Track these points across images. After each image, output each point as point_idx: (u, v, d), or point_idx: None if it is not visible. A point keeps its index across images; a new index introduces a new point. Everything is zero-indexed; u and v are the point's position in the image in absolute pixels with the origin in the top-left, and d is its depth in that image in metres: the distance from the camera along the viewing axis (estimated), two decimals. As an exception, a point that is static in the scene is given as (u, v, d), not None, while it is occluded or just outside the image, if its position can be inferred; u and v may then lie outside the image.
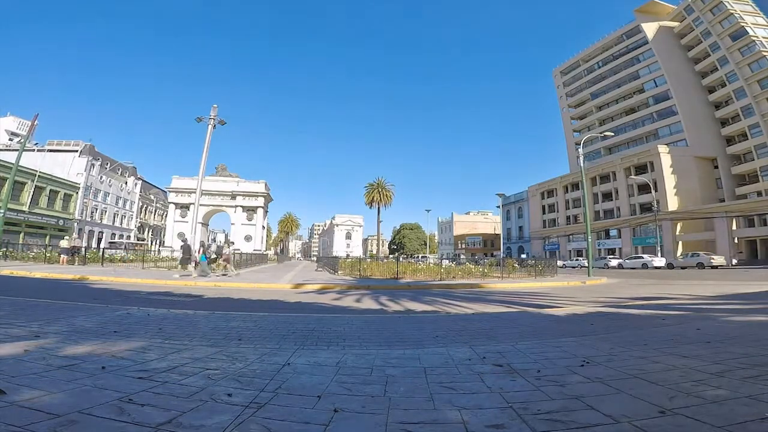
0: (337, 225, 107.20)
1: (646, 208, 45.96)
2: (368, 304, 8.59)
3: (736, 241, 39.69)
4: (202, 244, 15.35)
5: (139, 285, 11.94)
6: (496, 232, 76.84)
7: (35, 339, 3.48)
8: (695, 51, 52.06)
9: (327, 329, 4.53)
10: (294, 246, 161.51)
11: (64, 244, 21.77)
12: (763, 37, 44.76)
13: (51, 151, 49.62)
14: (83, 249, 23.38)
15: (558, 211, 60.56)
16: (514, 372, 2.71)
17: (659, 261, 32.69)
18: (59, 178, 44.32)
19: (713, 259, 29.28)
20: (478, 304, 8.44)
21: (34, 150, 46.12)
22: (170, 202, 47.42)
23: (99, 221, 52.35)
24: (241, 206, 47.42)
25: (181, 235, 16.40)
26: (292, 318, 5.44)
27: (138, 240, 62.55)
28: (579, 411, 1.93)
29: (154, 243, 67.39)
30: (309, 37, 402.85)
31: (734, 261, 36.87)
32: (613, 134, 45.55)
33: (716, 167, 48.23)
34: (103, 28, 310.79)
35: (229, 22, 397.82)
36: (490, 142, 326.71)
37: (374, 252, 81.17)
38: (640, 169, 48.47)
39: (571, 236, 57.43)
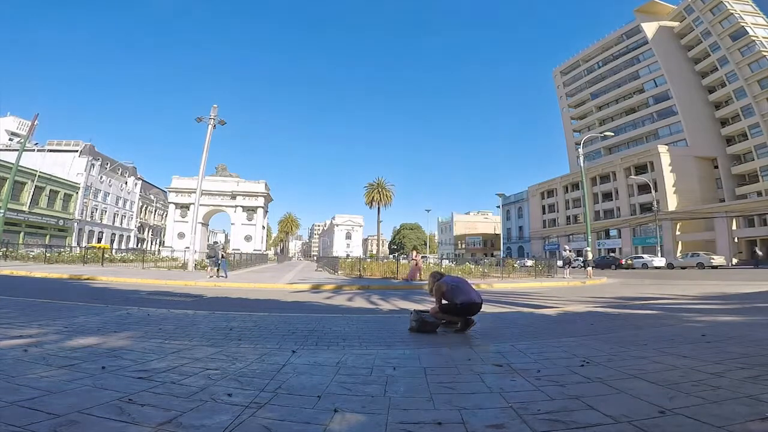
0: (337, 225, 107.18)
1: (646, 208, 45.92)
2: (369, 303, 8.59)
3: (736, 241, 39.66)
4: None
5: (139, 285, 11.94)
6: (496, 232, 76.83)
7: (35, 339, 3.48)
8: (695, 51, 52.02)
9: (327, 329, 4.53)
10: (294, 246, 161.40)
11: None
12: (763, 37, 44.72)
13: (51, 151, 49.63)
14: None
15: (558, 211, 60.51)
16: (514, 372, 2.71)
17: (659, 261, 32.65)
18: (59, 178, 44.32)
19: (713, 259, 29.24)
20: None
21: (34, 150, 46.13)
22: (170, 202, 47.43)
23: (99, 221, 52.36)
24: (241, 206, 47.44)
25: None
26: (292, 318, 5.44)
27: (138, 240, 62.62)
28: (579, 411, 1.93)
29: (153, 243, 67.44)
30: (308, 37, 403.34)
31: (734, 261, 36.88)
32: (613, 134, 45.53)
33: (716, 167, 48.18)
34: (103, 28, 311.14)
35: (229, 22, 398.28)
36: (490, 141, 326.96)
37: (374, 252, 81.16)
38: (640, 169, 48.44)
39: (571, 236, 57.37)
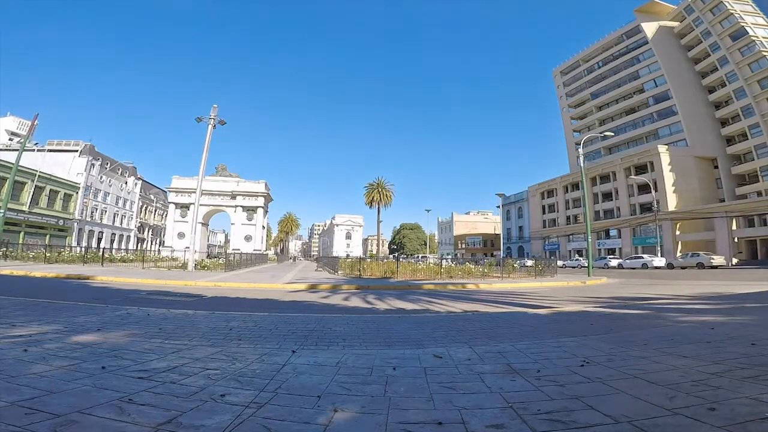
0: (337, 225, 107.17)
1: (646, 208, 45.93)
2: (367, 303, 8.59)
3: (736, 240, 39.66)
4: None
5: (139, 285, 11.94)
6: (496, 232, 76.83)
7: (35, 338, 3.48)
8: (695, 51, 52.02)
9: (327, 329, 4.53)
10: (294, 246, 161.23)
11: None
12: (763, 37, 44.71)
13: (51, 151, 49.58)
14: None
15: (558, 211, 60.51)
16: (514, 372, 2.71)
17: (659, 261, 32.64)
18: (59, 178, 44.30)
19: (713, 259, 29.23)
20: (476, 303, 8.44)
21: (34, 150, 46.08)
22: (170, 202, 47.45)
23: (99, 221, 52.33)
24: (241, 206, 47.44)
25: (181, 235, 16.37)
26: (292, 318, 5.44)
27: (138, 240, 62.62)
28: (579, 411, 1.93)
29: (153, 243, 67.43)
30: (308, 37, 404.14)
31: (734, 261, 36.88)
32: (613, 134, 45.55)
33: (716, 167, 48.17)
34: (103, 28, 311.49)
35: (229, 22, 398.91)
36: (490, 141, 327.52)
37: (374, 252, 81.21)
38: (640, 169, 48.43)
39: (571, 236, 57.39)
